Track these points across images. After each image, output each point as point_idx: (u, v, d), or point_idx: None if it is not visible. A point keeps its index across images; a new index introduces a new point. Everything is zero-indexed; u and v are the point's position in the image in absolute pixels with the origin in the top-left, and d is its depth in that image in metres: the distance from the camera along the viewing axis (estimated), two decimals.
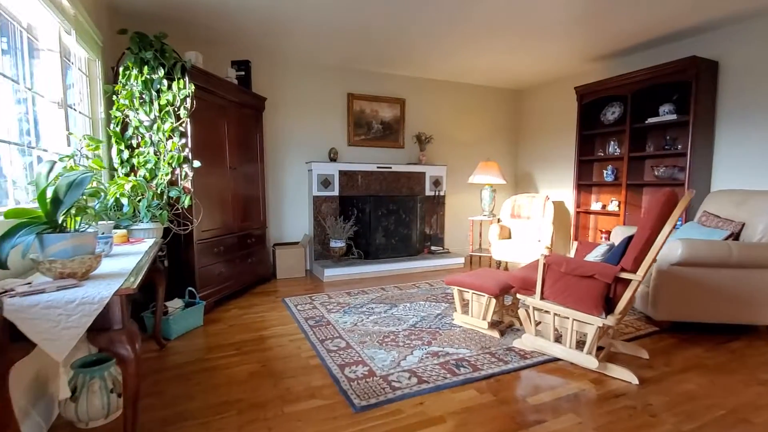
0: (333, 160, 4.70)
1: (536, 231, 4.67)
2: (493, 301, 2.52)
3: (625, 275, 1.90)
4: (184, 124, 2.85)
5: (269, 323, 2.92)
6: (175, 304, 2.73)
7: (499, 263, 4.71)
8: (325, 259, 4.64)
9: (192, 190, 2.91)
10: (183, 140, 2.86)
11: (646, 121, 3.94)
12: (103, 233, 1.75)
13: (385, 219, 4.74)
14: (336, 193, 4.65)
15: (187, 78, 2.80)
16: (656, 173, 3.97)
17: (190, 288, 2.93)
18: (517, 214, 4.85)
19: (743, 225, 2.70)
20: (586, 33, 3.71)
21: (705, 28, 3.58)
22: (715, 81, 3.60)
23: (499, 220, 5.04)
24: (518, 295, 2.32)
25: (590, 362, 2.07)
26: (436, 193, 5.20)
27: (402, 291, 3.73)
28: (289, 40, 3.86)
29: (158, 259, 2.55)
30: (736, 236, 2.71)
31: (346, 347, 2.41)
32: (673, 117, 3.71)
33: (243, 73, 3.81)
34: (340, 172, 4.65)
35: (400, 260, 4.64)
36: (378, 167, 4.82)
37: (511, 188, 6.05)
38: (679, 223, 3.70)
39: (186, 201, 2.79)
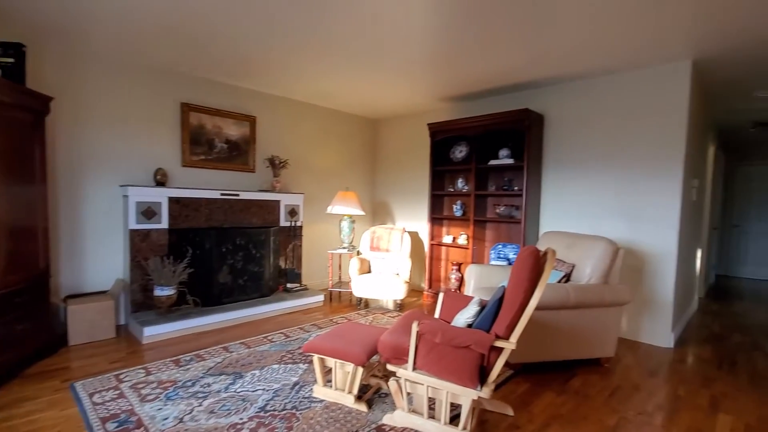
0: (161, 183, 3.75)
1: (395, 264, 4.60)
2: (360, 370, 2.17)
3: (499, 343, 1.78)
4: None
5: None
6: None
7: (360, 300, 4.46)
8: (148, 311, 3.62)
9: None
10: None
11: (489, 163, 4.27)
12: None
13: (231, 255, 4.00)
14: (164, 225, 3.71)
15: None
16: (497, 211, 4.32)
17: None
18: (377, 246, 4.72)
19: (574, 266, 3.02)
20: (437, 74, 3.81)
21: (535, 85, 4.07)
22: (542, 132, 4.12)
23: (359, 253, 4.82)
24: (388, 366, 2.02)
25: None
26: (293, 224, 4.70)
27: (251, 350, 3.09)
28: (94, 24, 2.89)
29: None
30: (568, 277, 3.02)
31: None
32: (510, 161, 4.10)
33: (12, 60, 2.67)
34: (171, 199, 3.73)
35: (250, 304, 3.95)
36: (222, 194, 4.06)
37: (369, 219, 5.96)
38: (511, 255, 4.06)
39: None
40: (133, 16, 2.71)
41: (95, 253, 3.54)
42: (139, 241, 3.58)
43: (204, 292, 3.85)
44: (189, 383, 2.50)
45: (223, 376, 2.60)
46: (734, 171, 7.21)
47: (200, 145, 4.11)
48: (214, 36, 3.02)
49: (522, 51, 3.16)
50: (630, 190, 3.56)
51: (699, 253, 4.78)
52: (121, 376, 2.60)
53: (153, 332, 3.26)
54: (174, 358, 2.92)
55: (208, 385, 2.48)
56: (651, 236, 3.45)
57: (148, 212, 3.60)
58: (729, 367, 3.03)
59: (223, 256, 3.94)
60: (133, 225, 3.53)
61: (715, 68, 3.38)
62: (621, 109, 3.61)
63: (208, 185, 4.20)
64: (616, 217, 3.65)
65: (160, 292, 3.47)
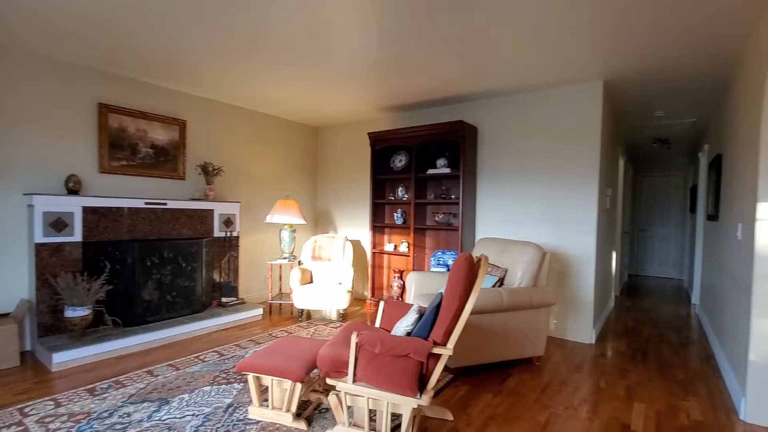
0: (73, 191, 3.38)
1: (337, 273, 4.54)
2: (299, 386, 2.09)
3: (437, 350, 1.81)
4: None
5: None
6: None
7: (301, 312, 4.33)
8: (59, 335, 3.22)
9: None
10: None
11: (427, 172, 4.38)
12: None
13: (157, 269, 3.69)
14: (77, 238, 3.34)
15: None
16: (436, 219, 4.44)
17: None
18: (318, 255, 4.63)
19: (506, 271, 3.17)
20: (378, 84, 3.86)
21: (469, 98, 4.27)
22: (476, 143, 4.32)
23: (300, 263, 4.70)
24: (328, 380, 1.97)
25: None
26: (228, 234, 4.46)
27: (179, 372, 2.86)
28: None
29: None
30: (501, 281, 3.17)
31: None
32: (447, 170, 4.24)
33: None
34: (86, 209, 3.38)
35: (180, 322, 3.67)
36: (147, 203, 3.76)
37: (311, 228, 5.85)
38: (450, 261, 4.20)
39: None
40: (42, 4, 2.43)
41: None
42: (47, 256, 3.19)
43: (126, 311, 3.51)
44: (105, 414, 2.25)
45: (146, 404, 2.37)
46: (641, 181, 8.09)
47: (122, 150, 3.77)
48: (142, 30, 2.80)
49: (457, 65, 3.30)
50: (555, 198, 3.84)
51: (614, 255, 5.28)
52: (26, 410, 2.27)
53: (64, 358, 2.90)
54: (89, 386, 2.61)
55: (129, 414, 2.25)
56: (573, 241, 3.75)
57: (58, 224, 3.22)
58: (641, 358, 3.36)
59: (148, 271, 3.63)
60: (40, 238, 3.14)
61: (623, 89, 3.77)
62: (545, 124, 3.89)
63: (131, 193, 3.86)
64: (544, 224, 3.91)
65: (72, 312, 3.10)
